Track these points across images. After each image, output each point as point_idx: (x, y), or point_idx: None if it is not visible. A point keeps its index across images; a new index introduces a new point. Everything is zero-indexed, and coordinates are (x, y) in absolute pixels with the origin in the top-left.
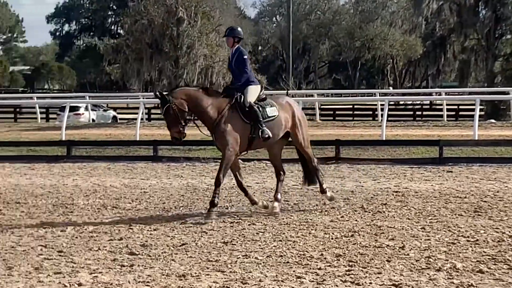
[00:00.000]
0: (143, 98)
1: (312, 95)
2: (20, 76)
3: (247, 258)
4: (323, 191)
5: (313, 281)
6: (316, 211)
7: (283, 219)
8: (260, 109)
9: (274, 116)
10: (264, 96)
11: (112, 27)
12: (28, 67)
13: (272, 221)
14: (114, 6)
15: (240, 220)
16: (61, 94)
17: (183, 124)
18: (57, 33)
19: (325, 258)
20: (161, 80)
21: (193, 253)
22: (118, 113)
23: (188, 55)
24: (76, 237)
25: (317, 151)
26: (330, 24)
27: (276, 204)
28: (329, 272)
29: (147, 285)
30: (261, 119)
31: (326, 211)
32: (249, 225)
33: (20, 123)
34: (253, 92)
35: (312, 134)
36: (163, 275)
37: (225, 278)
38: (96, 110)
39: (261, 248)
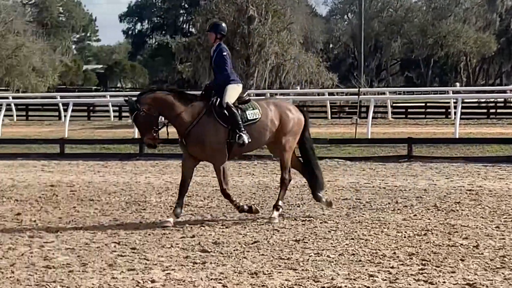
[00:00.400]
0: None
1: (384, 93)
2: (93, 75)
3: (319, 256)
4: (276, 207)
5: (385, 280)
6: (389, 209)
7: (355, 217)
8: (239, 111)
9: (255, 119)
10: (247, 98)
11: (184, 26)
12: (101, 66)
13: (344, 219)
14: (186, 5)
15: (311, 218)
16: (134, 93)
17: (156, 129)
18: (130, 32)
19: (397, 257)
20: None
21: (265, 251)
22: None
23: (259, 53)
24: (149, 234)
25: (389, 149)
26: (402, 21)
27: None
28: (401, 271)
29: (220, 282)
30: (240, 123)
31: (398, 209)
32: (320, 223)
33: (94, 121)
34: (232, 92)
35: (384, 132)
36: (235, 272)
37: (297, 276)
38: None
39: (333, 246)
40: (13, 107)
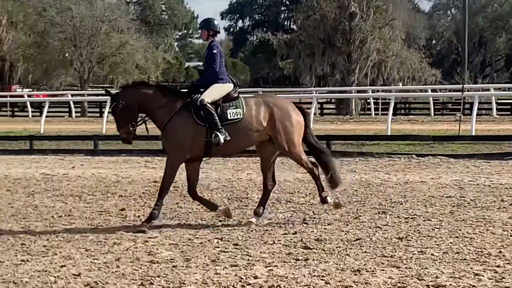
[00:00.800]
0: (316, 93)
1: (488, 89)
2: (195, 72)
3: (422, 254)
4: (322, 200)
5: (491, 279)
6: (494, 207)
7: (459, 215)
8: (219, 110)
9: (237, 118)
10: (235, 95)
11: (285, 23)
12: (202, 63)
13: (448, 217)
14: (287, 2)
15: (415, 216)
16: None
17: (133, 124)
18: (231, 29)
19: (503, 256)
20: (333, 75)
21: (368, 248)
22: None
23: (361, 50)
24: (251, 231)
25: (494, 146)
26: (508, 16)
27: (253, 219)
28: (508, 270)
29: (322, 279)
30: (216, 121)
31: (504, 208)
32: (424, 221)
33: None
34: (213, 92)
35: (489, 129)
36: (338, 269)
37: (400, 274)
38: None
39: (437, 244)
40: None
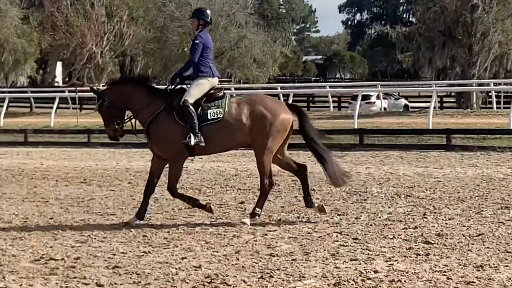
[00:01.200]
0: (436, 86)
1: None
2: (312, 66)
3: None
4: (251, 214)
5: None
6: None
7: None
8: (200, 109)
9: (216, 118)
10: (221, 94)
11: (404, 15)
12: (320, 57)
13: None
14: None
15: None
16: (353, 83)
17: (119, 122)
18: (349, 23)
19: None
20: (453, 68)
21: (491, 244)
22: (409, 102)
23: (482, 42)
24: (371, 225)
25: None
26: None
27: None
28: None
29: (444, 275)
30: (194, 123)
31: None
32: None
33: (313, 112)
34: (196, 90)
35: None
36: (460, 265)
37: None
38: (388, 99)
39: None
40: None
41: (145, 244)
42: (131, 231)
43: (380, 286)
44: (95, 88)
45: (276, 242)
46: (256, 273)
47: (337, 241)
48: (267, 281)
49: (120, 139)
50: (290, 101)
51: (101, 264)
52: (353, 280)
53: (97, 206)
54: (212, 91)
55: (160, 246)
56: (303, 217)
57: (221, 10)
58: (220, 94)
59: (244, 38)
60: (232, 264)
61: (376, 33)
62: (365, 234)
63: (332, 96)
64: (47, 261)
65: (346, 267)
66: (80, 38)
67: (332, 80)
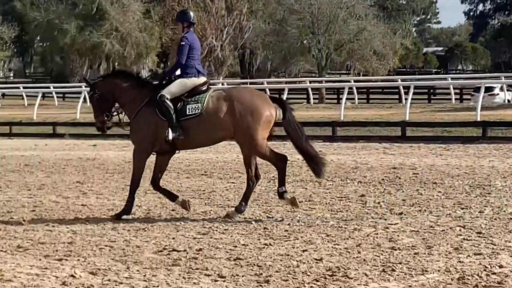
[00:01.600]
0: None
1: None
2: (433, 57)
3: None
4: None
5: None
6: None
7: None
8: (180, 105)
9: (195, 113)
10: (204, 89)
11: None
12: (441, 48)
13: None
14: None
15: None
16: (475, 75)
17: (108, 114)
18: (471, 13)
19: None
20: None
21: None
22: None
23: None
24: (495, 219)
25: None
26: None
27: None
28: None
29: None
30: (172, 118)
31: None
32: None
33: (434, 104)
34: (175, 86)
35: None
36: None
37: None
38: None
39: None
40: (355, 91)
41: (266, 237)
42: (251, 223)
43: (505, 281)
44: (88, 80)
45: (398, 235)
46: (377, 266)
47: (461, 235)
48: (389, 274)
49: (107, 131)
50: (410, 94)
51: (223, 256)
52: (477, 274)
53: (218, 198)
54: (195, 87)
55: (281, 238)
56: (425, 210)
57: (341, 2)
58: (203, 89)
59: (364, 30)
60: (354, 257)
61: (499, 24)
62: (489, 228)
63: (454, 88)
64: (170, 252)
65: (470, 262)
66: (200, 31)
67: (454, 72)
